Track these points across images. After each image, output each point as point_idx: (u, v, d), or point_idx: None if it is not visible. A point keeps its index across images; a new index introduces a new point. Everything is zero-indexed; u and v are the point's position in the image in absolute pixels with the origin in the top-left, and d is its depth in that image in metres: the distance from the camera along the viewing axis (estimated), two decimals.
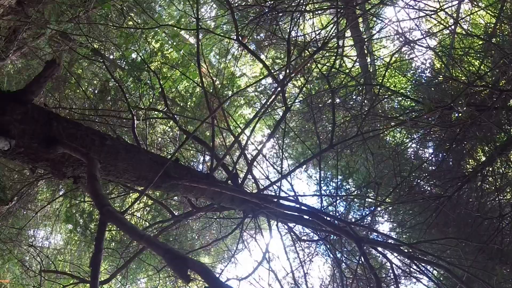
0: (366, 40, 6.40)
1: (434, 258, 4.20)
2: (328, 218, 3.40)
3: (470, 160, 6.28)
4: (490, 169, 5.68)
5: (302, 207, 3.29)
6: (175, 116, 4.65)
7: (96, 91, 6.70)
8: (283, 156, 4.20)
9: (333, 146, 3.60)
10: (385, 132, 6.30)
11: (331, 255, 4.45)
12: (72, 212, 6.92)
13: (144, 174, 2.69)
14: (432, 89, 5.94)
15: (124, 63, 6.60)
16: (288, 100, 6.49)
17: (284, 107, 3.39)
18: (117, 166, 2.46)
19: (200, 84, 3.35)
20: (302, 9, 4.80)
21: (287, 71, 3.49)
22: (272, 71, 5.37)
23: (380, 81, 6.39)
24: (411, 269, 4.04)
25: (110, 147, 2.42)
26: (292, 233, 3.87)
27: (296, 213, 3.28)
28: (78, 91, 6.88)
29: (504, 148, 5.36)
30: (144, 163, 2.68)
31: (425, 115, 4.85)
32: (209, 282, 1.16)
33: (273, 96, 3.45)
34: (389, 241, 4.00)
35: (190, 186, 2.93)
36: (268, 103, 3.51)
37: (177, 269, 1.19)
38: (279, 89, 3.32)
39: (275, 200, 3.38)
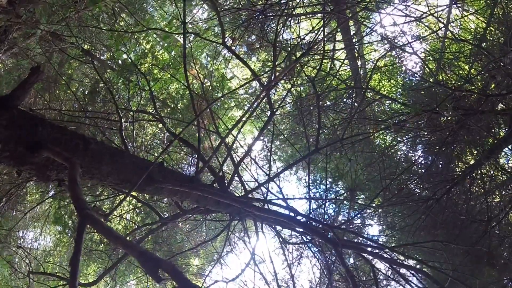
0: (356, 43, 6.43)
1: (417, 263, 4.23)
2: (305, 220, 3.41)
3: (459, 163, 6.32)
4: (479, 172, 5.73)
5: (280, 211, 3.32)
6: (163, 118, 4.65)
7: (86, 92, 6.67)
8: (272, 158, 4.21)
9: (319, 150, 3.62)
10: (373, 135, 6.33)
11: (317, 257, 4.46)
12: (61, 214, 6.88)
13: (128, 177, 2.70)
14: (422, 92, 5.98)
15: (115, 64, 6.57)
16: (278, 103, 6.51)
17: (270, 111, 3.41)
18: (101, 169, 2.48)
19: (186, 86, 3.35)
20: (290, 13, 4.81)
21: (273, 76, 3.50)
22: (262, 73, 5.38)
23: (369, 84, 6.43)
24: (396, 271, 4.07)
25: (94, 151, 2.44)
26: (278, 236, 3.88)
27: (274, 217, 3.31)
28: (68, 91, 6.85)
29: (492, 152, 5.40)
30: (128, 166, 2.69)
31: (411, 118, 4.88)
32: (178, 283, 1.19)
33: (259, 100, 3.46)
34: (372, 244, 4.02)
35: (174, 189, 2.94)
36: (254, 107, 3.52)
37: (149, 269, 1.22)
38: (264, 93, 3.33)
39: (262, 203, 3.40)
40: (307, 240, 4.07)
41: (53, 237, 8.47)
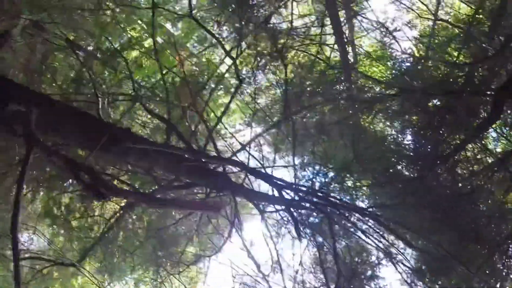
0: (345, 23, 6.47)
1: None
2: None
3: (446, 146, 6.35)
4: (465, 153, 5.78)
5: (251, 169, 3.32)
6: (142, 98, 4.65)
7: (70, 83, 6.63)
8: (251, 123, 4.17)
9: (291, 116, 3.60)
10: (361, 117, 6.37)
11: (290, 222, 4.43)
12: (50, 206, 6.89)
13: (92, 137, 2.69)
14: (413, 81, 6.02)
15: (99, 54, 6.56)
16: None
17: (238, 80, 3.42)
18: (65, 126, 2.52)
19: (156, 59, 3.35)
20: None
21: (239, 46, 3.52)
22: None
23: (359, 68, 6.48)
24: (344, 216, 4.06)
25: (59, 110, 2.51)
26: (256, 206, 3.85)
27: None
28: (54, 84, 6.82)
29: (477, 131, 5.46)
30: (93, 126, 2.72)
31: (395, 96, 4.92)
32: (104, 188, 1.24)
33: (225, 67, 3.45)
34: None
35: (142, 152, 2.90)
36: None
37: (73, 173, 1.27)
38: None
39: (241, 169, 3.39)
40: (281, 208, 4.06)
41: (48, 236, 8.44)
